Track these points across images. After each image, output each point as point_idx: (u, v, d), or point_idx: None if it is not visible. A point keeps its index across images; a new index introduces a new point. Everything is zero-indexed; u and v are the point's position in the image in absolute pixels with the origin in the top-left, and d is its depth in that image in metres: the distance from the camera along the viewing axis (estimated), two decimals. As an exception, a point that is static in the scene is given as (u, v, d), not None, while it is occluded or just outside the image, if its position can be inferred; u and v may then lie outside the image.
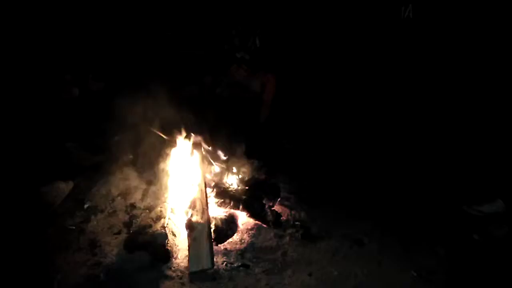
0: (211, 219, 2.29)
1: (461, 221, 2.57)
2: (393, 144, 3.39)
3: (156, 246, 2.14)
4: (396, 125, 3.52)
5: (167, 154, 2.61)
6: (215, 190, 2.54)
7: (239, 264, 2.14)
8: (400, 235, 2.43)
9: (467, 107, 3.14)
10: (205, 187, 2.40)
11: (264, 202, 2.54)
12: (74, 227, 2.39)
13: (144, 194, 2.64)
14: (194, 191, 2.34)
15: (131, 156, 2.96)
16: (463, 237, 2.43)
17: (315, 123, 3.78)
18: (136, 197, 2.63)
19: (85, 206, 2.58)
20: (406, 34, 3.43)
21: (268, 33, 3.66)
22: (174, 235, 2.29)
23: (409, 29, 3.37)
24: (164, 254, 2.14)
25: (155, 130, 2.71)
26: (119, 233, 2.34)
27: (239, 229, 2.41)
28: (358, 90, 3.87)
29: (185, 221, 2.19)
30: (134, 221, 2.42)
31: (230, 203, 2.47)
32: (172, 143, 2.65)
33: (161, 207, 2.43)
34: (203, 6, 4.18)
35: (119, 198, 2.63)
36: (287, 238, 2.37)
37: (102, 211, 2.54)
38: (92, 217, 2.48)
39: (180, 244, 2.25)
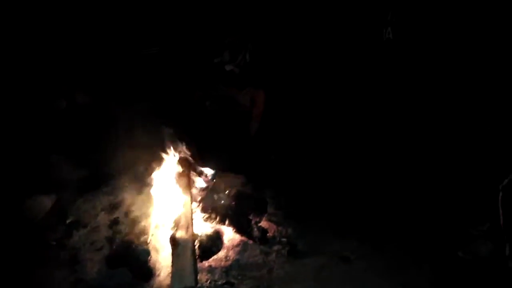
0: (196, 235, 2.26)
1: (446, 238, 2.56)
2: (380, 160, 3.40)
3: (138, 263, 2.10)
4: (381, 141, 3.55)
5: (153, 169, 2.59)
6: (201, 205, 2.51)
7: (224, 281, 2.10)
8: (387, 252, 2.42)
9: (450, 127, 3.20)
10: (191, 202, 2.38)
11: (250, 217, 2.52)
12: (55, 243, 2.34)
13: (129, 209, 2.59)
14: (179, 206, 2.31)
15: (117, 170, 2.92)
16: (448, 255, 2.42)
17: (303, 138, 3.79)
18: (120, 212, 2.58)
19: (68, 221, 2.53)
20: (389, 53, 3.55)
21: (258, 48, 3.69)
22: (157, 251, 2.24)
23: (391, 49, 3.49)
24: (146, 271, 2.09)
25: (142, 144, 2.68)
26: (101, 249, 2.29)
27: (224, 245, 2.37)
28: (345, 106, 3.91)
29: (169, 237, 2.15)
30: (117, 236, 2.38)
31: (216, 218, 2.45)
32: (158, 157, 2.62)
33: (145, 223, 2.39)
34: (194, 20, 4.21)
35: (102, 213, 2.59)
36: (273, 254, 2.34)
37: (84, 226, 2.49)
38: (74, 232, 2.43)
39: (163, 261, 2.20)
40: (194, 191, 2.62)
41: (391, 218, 2.74)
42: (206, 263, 2.23)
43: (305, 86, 4.16)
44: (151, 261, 2.17)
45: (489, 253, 2.44)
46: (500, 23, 2.92)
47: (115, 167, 2.92)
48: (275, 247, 2.39)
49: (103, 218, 2.55)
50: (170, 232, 2.20)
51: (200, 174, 2.71)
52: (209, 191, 2.66)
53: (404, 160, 3.33)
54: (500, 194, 2.16)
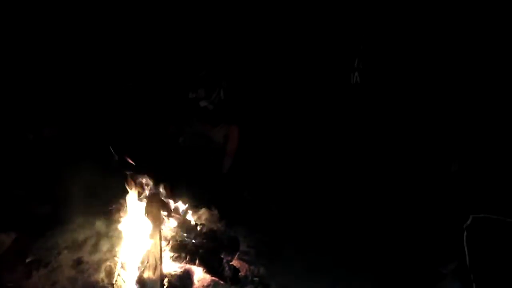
0: (165, 275, 2.17)
1: (416, 277, 2.59)
2: (350, 198, 3.46)
3: (101, 306, 1.99)
4: (351, 181, 3.64)
5: (121, 205, 2.51)
6: (170, 243, 2.43)
7: (192, 325, 2.02)
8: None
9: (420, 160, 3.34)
10: (160, 240, 2.30)
11: (222, 256, 2.46)
12: (11, 285, 2.19)
13: (94, 248, 2.47)
14: (147, 245, 2.23)
15: (82, 207, 2.81)
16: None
17: (276, 175, 3.82)
18: (84, 250, 2.46)
19: (27, 260, 2.38)
20: (357, 96, 3.78)
21: (232, 86, 3.77)
22: (123, 293, 2.13)
23: (359, 92, 3.74)
24: (110, 315, 1.98)
25: (110, 180, 2.62)
26: (62, 291, 2.16)
27: (194, 286, 2.29)
28: (318, 142, 4.02)
29: (136, 278, 2.07)
30: (80, 277, 2.25)
31: (186, 257, 2.37)
32: (127, 193, 2.55)
33: (111, 262, 2.28)
34: (170, 56, 4.29)
35: (65, 251, 2.45)
36: (245, 295, 2.28)
37: (45, 266, 2.34)
38: (34, 272, 2.29)
39: (129, 304, 2.10)
40: (163, 228, 2.54)
41: (363, 258, 2.75)
42: (174, 306, 2.14)
43: (278, 122, 4.25)
44: (116, 304, 2.06)
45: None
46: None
47: (81, 203, 2.82)
48: (247, 287, 2.33)
49: (66, 257, 2.41)
50: (138, 273, 2.11)
51: (170, 210, 2.65)
52: (179, 228, 2.60)
53: (374, 198, 3.41)
54: (465, 233, 2.23)
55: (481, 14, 3.16)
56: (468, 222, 2.29)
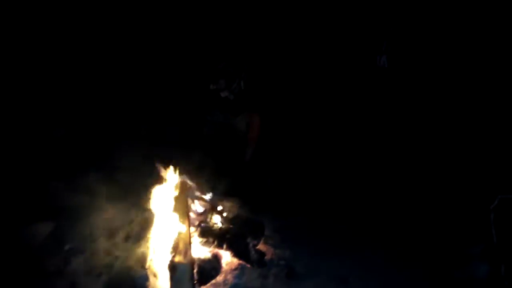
0: (194, 259, 2.27)
1: (442, 259, 2.58)
2: (376, 180, 3.45)
3: (137, 289, 2.10)
4: (378, 162, 3.61)
5: (151, 193, 2.61)
6: (198, 229, 2.53)
7: (223, 306, 2.11)
8: (384, 272, 2.43)
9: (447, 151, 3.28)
10: (189, 227, 2.39)
11: (248, 241, 2.53)
12: (53, 270, 2.32)
13: (127, 235, 2.60)
14: (177, 231, 2.32)
15: (114, 196, 2.94)
16: (445, 276, 2.44)
17: (299, 161, 3.85)
18: (118, 237, 2.59)
19: (66, 247, 2.52)
20: (382, 80, 3.67)
21: (252, 76, 3.80)
22: (156, 276, 2.24)
23: (385, 76, 3.62)
24: (145, 297, 2.09)
25: (139, 169, 2.72)
26: (100, 275, 2.28)
27: (222, 269, 2.38)
28: (339, 128, 4.00)
29: (167, 262, 2.16)
30: (115, 262, 2.37)
31: (213, 242, 2.46)
32: (156, 182, 2.65)
33: (143, 248, 2.39)
34: (191, 47, 4.34)
35: (100, 238, 2.58)
36: (272, 277, 2.35)
37: (82, 253, 2.48)
38: (73, 259, 2.42)
39: (161, 286, 2.20)
40: (192, 215, 2.64)
41: (388, 239, 2.77)
42: (204, 288, 2.23)
43: (299, 110, 4.26)
44: (150, 287, 2.16)
45: (485, 274, 2.46)
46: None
47: (113, 192, 2.95)
48: (273, 270, 2.40)
49: (101, 244, 2.54)
50: (169, 257, 2.20)
51: (198, 198, 2.74)
52: (206, 215, 2.69)
53: (401, 182, 3.39)
54: (492, 215, 2.21)
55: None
56: (495, 203, 2.26)
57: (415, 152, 3.49)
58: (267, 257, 2.51)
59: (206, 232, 2.51)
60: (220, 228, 2.58)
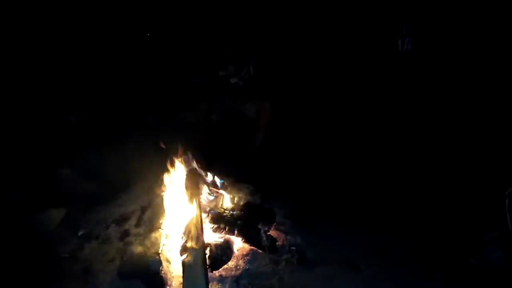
0: (206, 245, 2.28)
1: (457, 245, 2.55)
2: (389, 167, 3.41)
3: (150, 274, 2.12)
4: (390, 148, 3.56)
5: (163, 180, 2.62)
6: (210, 215, 2.53)
7: (234, 291, 2.12)
8: (396, 259, 2.41)
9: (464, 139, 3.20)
10: (200, 213, 2.40)
11: (259, 227, 2.53)
12: (67, 255, 2.37)
13: (139, 221, 2.62)
14: (189, 217, 2.33)
15: (126, 183, 2.96)
16: (459, 262, 2.41)
17: (309, 147, 3.82)
18: (130, 223, 2.62)
19: (79, 233, 2.56)
20: (405, 65, 3.54)
21: (261, 62, 3.76)
22: (168, 262, 2.26)
23: (409, 61, 3.48)
24: (157, 282, 2.11)
25: (150, 156, 2.72)
26: (113, 260, 2.32)
27: (234, 255, 2.39)
28: (351, 113, 3.94)
29: (180, 247, 2.17)
30: (128, 248, 2.40)
31: (225, 228, 2.46)
32: (167, 169, 2.66)
33: (155, 234, 2.41)
34: (200, 34, 4.30)
35: (113, 224, 2.62)
36: (283, 263, 2.35)
37: (96, 238, 2.52)
38: (86, 244, 2.46)
39: (174, 271, 2.22)
40: (203, 201, 2.65)
41: (401, 225, 2.74)
42: (216, 273, 2.24)
43: (310, 96, 4.21)
44: (163, 272, 2.19)
45: (501, 260, 2.42)
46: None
47: (125, 179, 2.97)
48: (285, 256, 2.40)
49: (114, 230, 2.57)
50: (181, 243, 2.22)
51: (208, 185, 2.74)
52: (218, 201, 2.69)
53: (414, 168, 3.35)
54: (507, 200, 2.17)
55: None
56: (510, 189, 2.22)
57: (432, 139, 3.42)
58: (278, 243, 2.51)
59: (218, 218, 2.51)
60: (231, 214, 2.58)
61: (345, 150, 3.70)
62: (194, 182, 2.59)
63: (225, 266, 2.30)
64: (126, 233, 2.54)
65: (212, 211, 2.58)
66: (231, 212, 2.62)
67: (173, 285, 2.14)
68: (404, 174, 3.26)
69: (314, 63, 4.11)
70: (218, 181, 2.83)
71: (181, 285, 2.03)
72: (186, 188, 2.54)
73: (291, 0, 4.09)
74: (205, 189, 2.70)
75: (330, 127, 3.95)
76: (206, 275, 2.06)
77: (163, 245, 2.33)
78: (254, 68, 3.76)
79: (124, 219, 2.66)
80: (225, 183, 2.84)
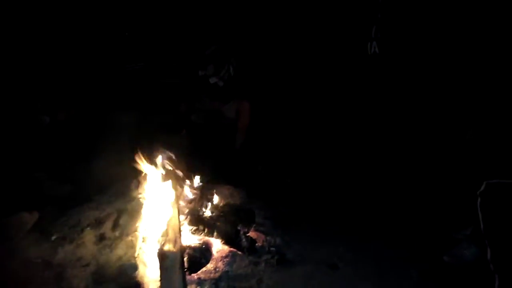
0: (184, 247, 2.25)
1: (431, 243, 2.61)
2: (364, 167, 3.46)
3: (126, 278, 2.08)
4: (366, 149, 3.62)
5: (139, 182, 2.57)
6: (188, 217, 2.50)
7: (213, 293, 2.10)
8: (374, 258, 2.45)
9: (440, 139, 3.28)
10: (178, 215, 2.36)
11: (239, 228, 2.52)
12: (40, 260, 2.29)
13: (115, 224, 2.56)
14: (166, 219, 2.29)
15: (102, 185, 2.89)
16: (434, 259, 2.47)
17: (289, 148, 3.84)
18: (106, 227, 2.55)
19: (52, 237, 2.48)
20: (374, 67, 3.63)
21: (241, 62, 3.74)
22: (145, 266, 2.22)
23: (377, 63, 3.58)
24: (134, 286, 2.06)
25: (127, 158, 2.66)
26: (87, 265, 2.25)
27: (213, 257, 2.37)
28: (330, 115, 3.98)
29: (157, 251, 2.13)
30: (103, 252, 2.34)
31: (204, 230, 2.44)
32: (144, 170, 2.61)
33: (132, 237, 2.37)
34: (178, 34, 4.25)
35: (88, 228, 2.55)
36: (262, 264, 2.34)
37: (70, 243, 2.44)
38: (60, 249, 2.38)
39: (151, 275, 2.18)
40: (181, 203, 2.61)
41: (377, 224, 2.79)
42: (195, 276, 2.22)
43: (289, 97, 4.23)
44: (139, 276, 2.14)
45: (473, 257, 2.49)
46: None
47: (101, 181, 2.90)
48: (264, 257, 2.40)
49: (89, 234, 2.50)
50: (158, 246, 2.18)
51: (187, 186, 2.71)
52: (196, 203, 2.67)
53: (388, 167, 3.41)
54: (479, 199, 2.22)
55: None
56: (482, 188, 2.27)
57: (402, 138, 3.50)
58: (258, 244, 2.51)
59: (196, 220, 2.49)
60: (211, 216, 2.56)
61: (323, 150, 3.74)
62: (172, 183, 2.56)
63: (204, 268, 2.27)
64: (101, 237, 2.47)
65: (191, 213, 2.55)
66: (210, 213, 2.61)
67: (150, 289, 2.10)
68: (378, 173, 3.32)
69: (292, 64, 4.13)
70: (197, 182, 2.80)
71: (159, 289, 1.99)
72: (164, 189, 2.50)
73: (269, 2, 4.09)
74: (183, 191, 2.67)
75: (309, 127, 3.98)
76: (184, 278, 2.03)
77: (140, 248, 2.28)
78: (234, 68, 3.75)
79: (99, 222, 2.59)
80: (205, 184, 2.82)
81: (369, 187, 3.19)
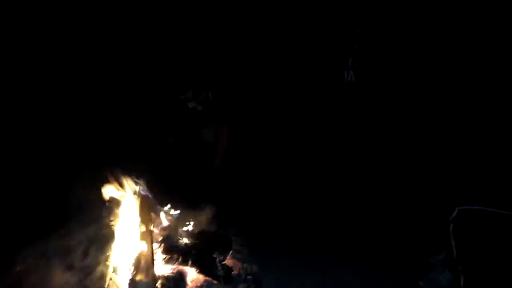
0: (157, 277, 2.17)
1: (406, 269, 2.63)
2: (340, 193, 3.50)
3: (94, 311, 1.97)
4: (343, 175, 3.67)
5: (112, 208, 2.49)
6: (162, 245, 2.43)
7: (187, 326, 2.02)
8: (351, 284, 2.44)
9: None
10: (152, 243, 2.29)
11: (214, 256, 2.47)
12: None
13: (85, 253, 2.45)
14: (139, 248, 2.22)
15: (72, 212, 2.78)
16: (409, 284, 2.48)
17: (267, 173, 3.84)
18: (75, 256, 2.43)
19: (17, 268, 2.35)
20: (350, 95, 3.75)
21: (220, 86, 3.78)
22: (115, 297, 2.12)
23: (353, 92, 3.70)
24: (103, 319, 1.96)
25: (99, 183, 2.59)
26: (53, 297, 2.14)
27: (187, 287, 2.29)
28: (306, 139, 4.04)
29: (128, 281, 2.06)
30: (72, 282, 2.23)
31: (178, 258, 2.37)
32: (117, 196, 2.53)
33: (102, 267, 2.27)
34: (159, 60, 4.25)
35: (56, 258, 2.42)
36: (238, 293, 2.29)
37: (35, 273, 2.31)
38: (24, 280, 2.25)
39: (122, 307, 2.09)
40: (155, 230, 2.54)
41: (354, 250, 2.79)
42: (168, 307, 2.13)
43: (268, 121, 4.27)
44: (109, 308, 2.04)
45: (448, 282, 2.52)
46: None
47: (70, 207, 2.79)
48: (240, 286, 2.34)
49: (57, 264, 2.38)
50: (130, 276, 2.10)
51: (161, 212, 2.65)
52: (171, 230, 2.60)
53: (364, 194, 3.46)
54: (451, 226, 2.26)
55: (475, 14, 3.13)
56: (454, 214, 2.32)
57: (378, 164, 3.58)
58: (234, 272, 2.45)
59: (170, 248, 2.42)
60: (186, 244, 2.49)
61: (299, 175, 3.76)
62: (146, 209, 2.49)
63: (177, 299, 2.20)
64: (70, 267, 2.35)
65: (164, 241, 2.48)
66: (185, 241, 2.54)
67: (120, 322, 2.00)
68: (355, 200, 3.36)
69: (270, 89, 4.20)
70: (172, 208, 2.74)
71: (129, 323, 1.91)
72: (137, 216, 2.43)
73: (246, 27, 4.18)
74: (157, 217, 2.60)
75: (286, 151, 4.01)
76: (156, 310, 1.96)
77: (110, 279, 2.19)
78: (212, 92, 3.77)
79: (68, 251, 2.47)
80: (180, 210, 2.76)
81: (347, 214, 3.21)
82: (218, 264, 2.41)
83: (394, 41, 3.53)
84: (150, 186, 2.66)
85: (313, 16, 3.92)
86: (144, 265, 2.11)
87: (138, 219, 2.41)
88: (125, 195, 2.53)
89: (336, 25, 3.77)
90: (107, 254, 2.37)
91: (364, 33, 3.65)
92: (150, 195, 2.62)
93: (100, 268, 2.26)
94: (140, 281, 2.03)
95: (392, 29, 3.53)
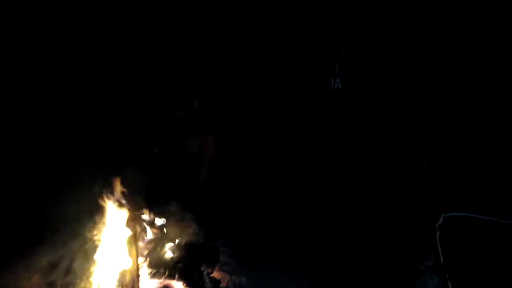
0: (143, 292, 2.12)
1: (395, 276, 2.63)
2: (327, 202, 3.49)
3: (77, 330, 1.90)
4: (325, 182, 3.67)
5: (96, 222, 2.43)
6: (148, 259, 2.38)
7: None
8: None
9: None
10: (137, 257, 2.24)
11: (202, 268, 2.43)
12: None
13: (67, 269, 2.37)
14: (123, 263, 2.16)
15: (55, 225, 2.70)
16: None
17: (254, 183, 3.82)
18: (57, 273, 2.36)
19: (-5, 286, 2.26)
20: (337, 103, 3.77)
21: (205, 95, 3.75)
22: (99, 315, 2.06)
23: (340, 99, 3.72)
24: (86, 338, 1.90)
25: (82, 196, 2.52)
26: (34, 317, 2.05)
27: (174, 301, 2.25)
28: (292, 149, 4.03)
29: (113, 298, 2.00)
30: (53, 300, 2.16)
31: (164, 272, 2.32)
32: (101, 209, 2.47)
33: (86, 283, 2.20)
34: (143, 71, 4.21)
35: (37, 275, 2.34)
36: (226, 306, 2.25)
37: (15, 292, 2.23)
38: (2, 299, 2.17)
39: (106, 325, 2.02)
40: (140, 244, 2.48)
41: (341, 261, 2.78)
42: (154, 324, 2.08)
43: (254, 130, 4.25)
44: (92, 327, 1.97)
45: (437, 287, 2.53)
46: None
47: (52, 221, 2.70)
48: (229, 299, 2.31)
49: (38, 281, 2.30)
50: (114, 292, 2.04)
51: (147, 225, 2.59)
52: (157, 243, 2.54)
53: (350, 202, 3.45)
54: (438, 233, 2.27)
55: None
56: (440, 221, 2.33)
57: (364, 171, 3.59)
58: (222, 284, 2.42)
59: (157, 262, 2.37)
60: (172, 257, 2.45)
61: (288, 185, 3.74)
62: (131, 223, 2.43)
63: (164, 314, 2.14)
64: (52, 285, 2.28)
65: (150, 254, 2.43)
66: (172, 254, 2.49)
67: None
68: (341, 209, 3.36)
69: (256, 97, 4.20)
70: (158, 220, 2.69)
71: None
72: (122, 230, 2.37)
73: (230, 34, 4.18)
74: (143, 231, 2.55)
75: (273, 161, 4.00)
76: (142, 327, 1.90)
77: (94, 295, 2.12)
78: (198, 101, 3.74)
79: (50, 267, 2.39)
80: (166, 222, 2.71)
81: (333, 223, 3.21)
82: (206, 277, 2.38)
83: (381, 49, 3.57)
84: (135, 198, 2.61)
85: (299, 24, 3.94)
86: (129, 280, 2.06)
87: (123, 233, 2.36)
88: (109, 208, 2.47)
89: (322, 32, 3.80)
90: (91, 270, 2.31)
91: (351, 40, 3.68)
92: (135, 208, 2.57)
93: (83, 285, 2.20)
94: (125, 297, 1.97)
95: (379, 36, 3.57)
